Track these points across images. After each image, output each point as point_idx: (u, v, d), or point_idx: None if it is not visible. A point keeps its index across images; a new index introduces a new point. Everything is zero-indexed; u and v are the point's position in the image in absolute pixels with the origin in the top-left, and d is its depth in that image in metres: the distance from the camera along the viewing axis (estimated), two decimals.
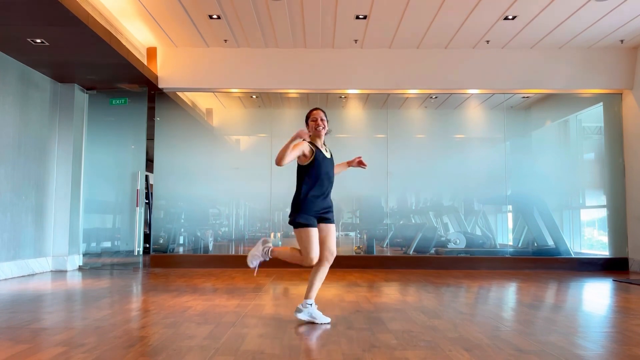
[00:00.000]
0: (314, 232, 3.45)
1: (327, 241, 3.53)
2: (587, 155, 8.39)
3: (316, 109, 3.64)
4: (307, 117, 3.63)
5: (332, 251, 3.55)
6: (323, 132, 3.59)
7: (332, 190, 3.63)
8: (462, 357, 2.57)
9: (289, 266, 6.61)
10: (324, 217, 3.54)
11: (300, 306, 3.48)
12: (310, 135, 3.57)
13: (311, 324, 3.39)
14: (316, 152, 3.52)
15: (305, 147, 3.46)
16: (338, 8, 6.07)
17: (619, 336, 3.13)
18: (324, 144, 3.64)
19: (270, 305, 4.16)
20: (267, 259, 3.61)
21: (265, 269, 7.03)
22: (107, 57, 5.98)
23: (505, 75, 7.43)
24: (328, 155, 3.63)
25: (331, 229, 3.56)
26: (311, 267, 3.52)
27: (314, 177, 3.49)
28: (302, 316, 3.46)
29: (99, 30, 5.32)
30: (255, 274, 3.36)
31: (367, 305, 4.18)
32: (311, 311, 3.45)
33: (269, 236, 7.93)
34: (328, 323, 3.40)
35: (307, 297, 3.50)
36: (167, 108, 7.76)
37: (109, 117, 7.67)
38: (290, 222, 3.50)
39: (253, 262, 3.61)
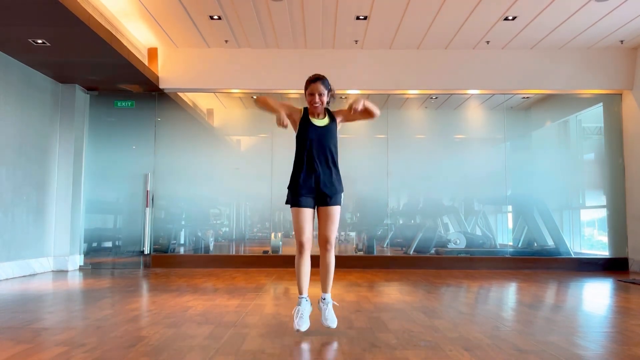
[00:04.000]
0: (298, 212, 3.10)
1: (319, 225, 3.17)
2: (587, 155, 8.39)
3: (315, 80, 3.16)
4: (305, 88, 3.22)
5: (325, 236, 3.13)
6: (320, 109, 3.18)
7: None
8: (462, 357, 2.58)
9: (289, 266, 6.62)
10: (319, 198, 3.15)
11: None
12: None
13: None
14: (301, 118, 3.18)
15: (294, 111, 3.21)
16: (338, 8, 6.08)
17: (619, 336, 3.14)
18: (325, 112, 3.25)
19: (271, 305, 4.16)
20: (298, 311, 3.06)
21: (266, 269, 7.04)
22: (108, 57, 5.99)
23: (505, 75, 7.44)
24: (320, 124, 3.18)
25: (325, 212, 3.14)
26: (301, 255, 3.10)
27: (296, 148, 3.20)
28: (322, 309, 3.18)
29: (100, 31, 5.33)
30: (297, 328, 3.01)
31: (368, 305, 4.19)
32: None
33: (270, 236, 7.93)
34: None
35: (323, 290, 3.22)
36: (168, 108, 7.77)
37: (111, 118, 7.69)
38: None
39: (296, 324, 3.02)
